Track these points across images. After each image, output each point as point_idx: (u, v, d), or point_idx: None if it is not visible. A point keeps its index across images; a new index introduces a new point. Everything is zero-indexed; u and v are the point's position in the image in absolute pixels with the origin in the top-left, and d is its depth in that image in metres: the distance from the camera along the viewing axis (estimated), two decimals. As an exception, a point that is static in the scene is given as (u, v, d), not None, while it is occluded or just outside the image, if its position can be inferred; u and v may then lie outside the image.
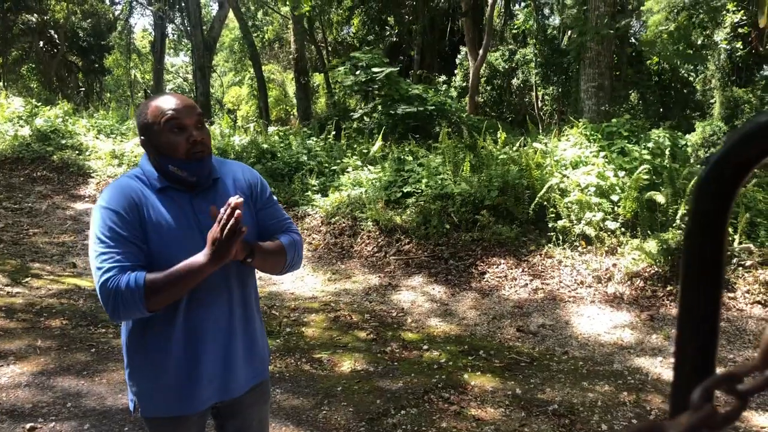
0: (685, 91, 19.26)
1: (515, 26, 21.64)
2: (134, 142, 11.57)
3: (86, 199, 9.98)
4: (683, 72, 19.41)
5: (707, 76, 19.13)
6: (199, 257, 1.73)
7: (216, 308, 1.89)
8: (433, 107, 11.74)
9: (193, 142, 1.81)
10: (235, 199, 1.68)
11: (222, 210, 1.70)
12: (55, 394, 3.92)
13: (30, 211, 9.07)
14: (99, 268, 1.72)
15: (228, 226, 1.68)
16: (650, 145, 7.55)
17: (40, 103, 14.52)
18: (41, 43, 25.73)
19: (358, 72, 12.37)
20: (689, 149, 8.99)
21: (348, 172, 9.14)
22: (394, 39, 21.79)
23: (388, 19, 21.58)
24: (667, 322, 5.40)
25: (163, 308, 1.79)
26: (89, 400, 3.87)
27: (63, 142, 11.89)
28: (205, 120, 1.90)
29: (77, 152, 11.58)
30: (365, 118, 12.28)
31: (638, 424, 0.35)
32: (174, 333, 1.85)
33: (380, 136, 10.51)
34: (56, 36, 25.51)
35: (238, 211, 1.68)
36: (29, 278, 6.30)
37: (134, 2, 27.99)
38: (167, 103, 1.83)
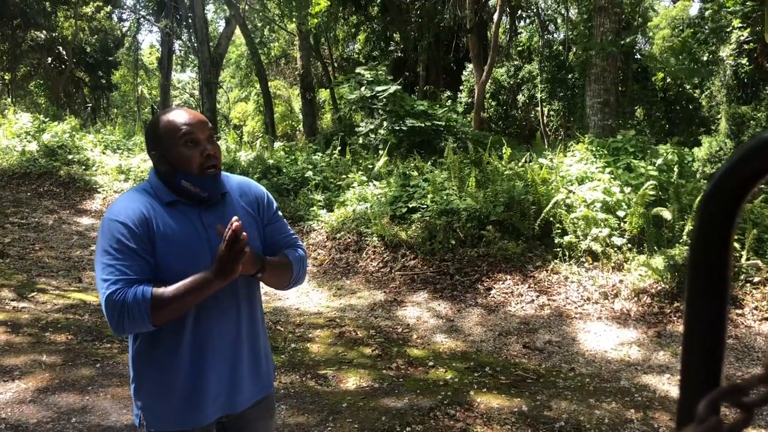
0: (690, 107, 19.29)
1: (520, 42, 21.76)
2: (141, 157, 11.64)
3: (92, 214, 10.03)
4: (689, 88, 19.44)
5: (713, 92, 19.17)
6: (207, 273, 1.73)
7: (223, 323, 1.89)
8: (440, 123, 11.78)
9: (207, 156, 1.83)
10: (236, 221, 1.69)
11: (226, 229, 1.70)
12: (59, 409, 3.91)
13: (36, 226, 9.11)
14: (105, 280, 1.72)
15: (233, 247, 1.69)
16: (658, 161, 7.53)
17: (47, 119, 14.65)
18: (49, 59, 25.97)
19: (363, 88, 12.42)
20: (696, 165, 8.98)
21: (353, 187, 9.16)
22: (400, 54, 21.91)
23: (394, 35, 21.72)
24: (674, 339, 5.37)
25: (171, 322, 1.80)
26: (94, 415, 3.86)
27: (70, 157, 11.97)
28: (216, 135, 1.93)
29: (84, 167, 11.66)
30: (370, 134, 12.32)
31: (644, 437, 0.35)
32: (181, 347, 1.85)
33: (385, 152, 10.54)
34: (64, 52, 25.74)
35: (244, 233, 1.69)
36: (35, 293, 6.31)
37: (141, 19, 28.26)
38: (181, 117, 1.85)
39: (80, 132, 14.06)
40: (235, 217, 1.70)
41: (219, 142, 13.32)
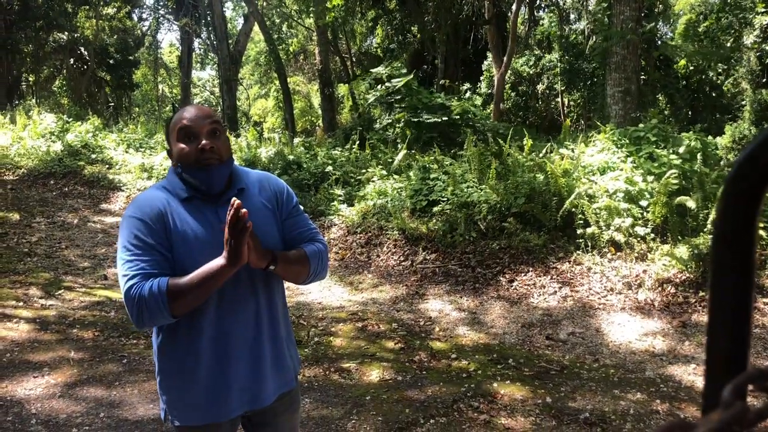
0: (714, 94, 18.98)
1: (540, 32, 21.57)
2: (163, 155, 11.77)
3: (116, 212, 10.14)
4: (712, 75, 19.13)
5: (737, 78, 18.84)
6: (218, 260, 1.76)
7: (243, 316, 1.91)
8: (458, 116, 11.73)
9: (201, 149, 1.84)
10: (235, 200, 1.70)
11: (228, 212, 1.72)
12: (88, 404, 3.97)
13: (62, 224, 9.24)
14: (124, 276, 1.77)
15: (235, 226, 1.70)
16: (681, 150, 7.43)
17: (71, 119, 14.83)
18: (71, 60, 26.29)
19: (380, 86, 12.41)
20: (719, 152, 8.84)
21: (373, 181, 9.16)
22: (418, 47, 21.83)
23: (412, 28, 21.64)
24: (699, 329, 5.31)
25: (191, 317, 1.82)
26: (122, 410, 3.91)
27: (93, 156, 12.12)
28: (222, 129, 1.92)
29: (107, 166, 11.80)
30: (388, 128, 12.30)
31: (668, 422, 0.34)
32: (202, 342, 1.87)
33: (404, 146, 10.53)
34: (86, 53, 26.03)
35: (243, 210, 1.69)
36: (62, 291, 6.41)
37: (161, 18, 28.48)
38: (184, 113, 1.90)
39: (103, 131, 14.23)
40: (234, 198, 1.71)
41: (239, 139, 13.43)
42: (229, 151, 1.94)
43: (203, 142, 1.84)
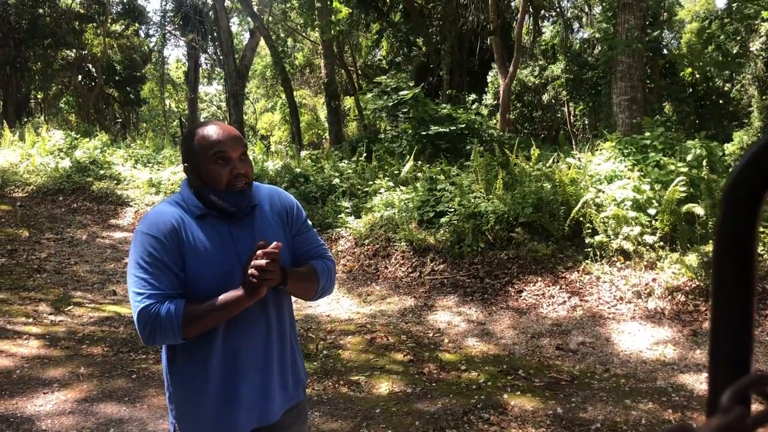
0: (721, 101, 18.91)
1: (544, 42, 21.60)
2: (171, 170, 11.79)
3: (125, 227, 10.18)
4: (719, 82, 19.07)
5: (744, 85, 18.79)
6: (237, 291, 1.78)
7: (253, 333, 1.91)
8: (464, 126, 11.74)
9: (237, 174, 1.86)
10: (275, 245, 1.77)
11: (259, 252, 1.76)
12: (98, 420, 3.97)
13: (71, 240, 9.28)
14: (139, 294, 1.77)
15: (264, 269, 1.75)
16: (689, 157, 7.40)
17: (79, 136, 14.92)
18: (79, 77, 26.51)
19: (385, 96, 12.45)
20: (728, 159, 8.80)
21: (380, 193, 9.16)
22: (423, 59, 21.91)
23: (417, 40, 21.73)
24: (711, 337, 5.26)
25: (202, 334, 1.83)
26: (131, 425, 3.91)
27: (102, 172, 12.18)
28: (248, 150, 1.95)
29: (115, 182, 11.85)
30: (395, 140, 12.33)
31: (667, 427, 0.34)
32: (213, 357, 1.87)
33: (411, 157, 10.53)
34: (93, 70, 26.26)
35: (266, 262, 1.75)
36: (71, 306, 6.43)
37: (168, 34, 28.70)
38: (214, 133, 1.87)
39: (111, 147, 14.30)
40: (275, 242, 1.78)
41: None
42: (253, 172, 1.96)
43: (238, 166, 1.86)
